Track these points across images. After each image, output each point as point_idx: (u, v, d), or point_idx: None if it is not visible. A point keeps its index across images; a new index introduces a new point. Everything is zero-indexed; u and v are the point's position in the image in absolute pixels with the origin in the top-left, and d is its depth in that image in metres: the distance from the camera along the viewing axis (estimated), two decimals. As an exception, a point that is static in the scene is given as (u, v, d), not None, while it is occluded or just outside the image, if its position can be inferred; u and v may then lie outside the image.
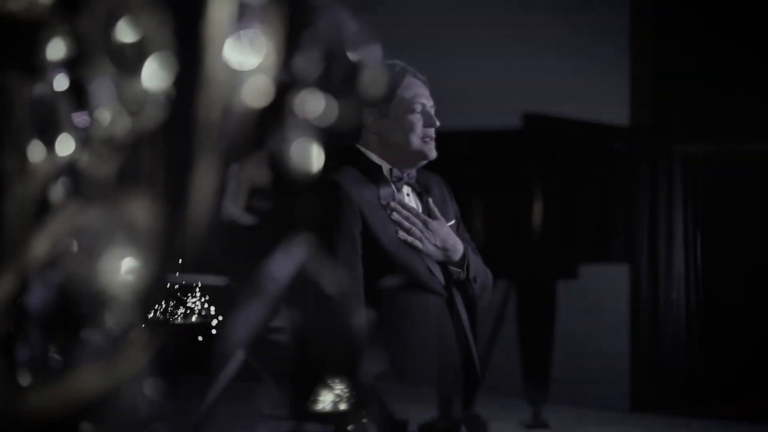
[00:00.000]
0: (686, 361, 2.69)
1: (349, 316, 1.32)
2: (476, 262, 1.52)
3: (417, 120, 1.47)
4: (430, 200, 1.52)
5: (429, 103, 1.51)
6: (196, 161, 0.58)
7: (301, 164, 0.62)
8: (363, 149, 1.46)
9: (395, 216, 1.42)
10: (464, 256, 1.49)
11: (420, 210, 1.51)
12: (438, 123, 1.48)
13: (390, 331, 1.36)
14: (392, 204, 1.43)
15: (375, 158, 1.46)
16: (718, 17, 2.59)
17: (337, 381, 1.25)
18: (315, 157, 0.64)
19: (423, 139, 1.48)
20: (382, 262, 1.38)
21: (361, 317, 1.34)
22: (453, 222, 1.54)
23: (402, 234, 1.42)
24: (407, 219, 1.44)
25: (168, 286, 2.47)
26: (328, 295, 1.24)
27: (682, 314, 2.73)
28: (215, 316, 2.60)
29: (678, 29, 2.64)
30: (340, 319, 1.30)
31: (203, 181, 0.58)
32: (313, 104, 0.61)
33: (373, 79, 0.62)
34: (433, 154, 1.50)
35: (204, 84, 0.57)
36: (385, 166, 1.45)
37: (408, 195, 1.49)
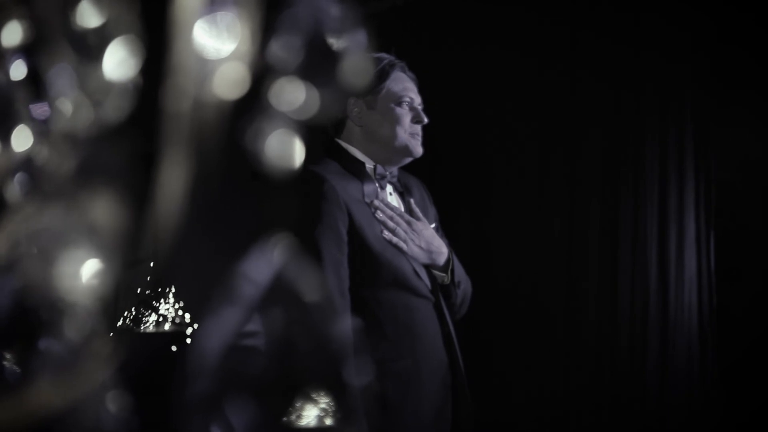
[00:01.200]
0: (699, 372, 2.71)
1: (334, 319, 1.32)
2: (459, 268, 1.53)
3: (405, 114, 1.48)
4: (412, 201, 1.52)
5: (417, 99, 1.52)
6: (163, 157, 0.58)
7: (279, 160, 0.62)
8: (344, 144, 1.45)
9: (379, 215, 1.42)
10: (449, 259, 1.49)
11: (402, 210, 1.51)
12: (426, 120, 1.49)
13: (376, 336, 1.36)
14: (376, 202, 1.43)
15: (358, 154, 1.46)
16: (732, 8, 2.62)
17: (321, 393, 1.26)
18: (295, 152, 0.64)
19: (410, 135, 1.49)
20: (368, 262, 1.38)
21: (347, 321, 1.33)
22: (434, 225, 1.54)
23: (387, 234, 1.42)
24: (391, 218, 1.44)
25: (138, 291, 2.46)
26: (312, 297, 1.24)
27: (693, 321, 2.74)
28: (190, 324, 2.58)
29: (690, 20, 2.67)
30: (323, 323, 1.30)
31: (171, 178, 0.58)
32: (292, 94, 0.61)
33: (357, 68, 0.62)
34: (419, 151, 1.50)
35: (173, 72, 0.57)
36: (369, 163, 1.45)
37: (390, 194, 1.50)
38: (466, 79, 2.88)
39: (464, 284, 1.56)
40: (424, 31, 2.87)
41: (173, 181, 0.59)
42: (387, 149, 1.50)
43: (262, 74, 0.62)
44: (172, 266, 2.29)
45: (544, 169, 2.89)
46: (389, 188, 1.52)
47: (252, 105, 0.61)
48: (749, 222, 2.74)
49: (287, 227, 1.31)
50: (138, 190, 0.64)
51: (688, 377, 2.69)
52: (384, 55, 1.53)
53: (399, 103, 1.50)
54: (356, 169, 1.43)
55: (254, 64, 0.61)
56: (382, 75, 1.54)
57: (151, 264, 2.43)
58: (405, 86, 1.56)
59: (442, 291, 1.51)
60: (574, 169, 2.87)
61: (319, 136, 1.46)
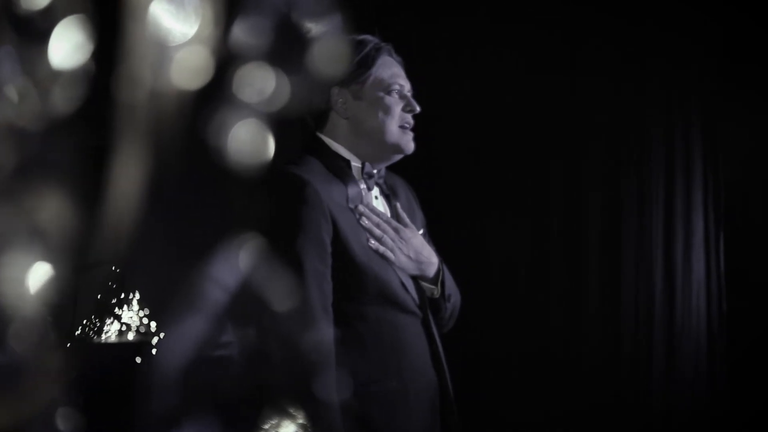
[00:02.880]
0: (707, 382, 2.72)
1: (314, 334, 1.31)
2: (450, 280, 1.51)
3: (395, 103, 1.45)
4: (398, 205, 1.50)
5: (407, 86, 1.49)
6: (117, 150, 0.57)
7: (247, 155, 0.61)
8: (327, 139, 1.42)
9: (365, 221, 1.40)
10: (439, 271, 1.48)
11: (389, 215, 1.49)
12: (418, 108, 1.46)
13: (359, 355, 1.35)
14: (361, 208, 1.41)
15: (342, 150, 1.43)
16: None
17: (300, 409, 1.25)
18: (266, 147, 0.63)
19: (401, 127, 1.46)
20: (353, 274, 1.36)
21: (329, 338, 1.32)
22: (421, 232, 1.53)
23: (372, 243, 1.40)
24: (378, 225, 1.41)
25: (99, 297, 2.44)
26: (285, 308, 1.22)
27: (701, 327, 2.76)
28: (156, 333, 2.56)
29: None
30: (302, 335, 1.28)
31: (126, 174, 0.57)
32: (261, 83, 0.60)
33: (333, 53, 0.61)
34: (410, 147, 1.48)
35: (127, 57, 0.56)
36: (355, 161, 1.43)
37: (376, 198, 1.47)
38: (460, 72, 2.87)
39: (454, 297, 1.54)
40: (414, 13, 2.86)
41: (128, 176, 0.58)
42: (376, 144, 1.47)
43: (227, 60, 0.61)
44: (136, 270, 2.27)
45: (542, 168, 2.88)
46: (375, 191, 1.49)
47: (216, 95, 0.60)
48: (760, 222, 2.76)
49: (262, 234, 1.29)
50: (90, 186, 0.62)
51: (696, 386, 2.70)
52: (368, 37, 1.49)
53: (388, 92, 1.46)
54: (340, 169, 1.40)
55: (218, 49, 0.60)
56: (368, 60, 1.50)
57: (113, 267, 2.41)
58: (393, 72, 1.52)
59: (430, 305, 1.49)
60: (575, 168, 2.86)
61: (298, 129, 1.43)
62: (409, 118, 1.45)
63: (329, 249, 1.32)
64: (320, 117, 1.42)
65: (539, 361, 2.76)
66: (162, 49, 0.55)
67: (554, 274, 2.79)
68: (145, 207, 0.63)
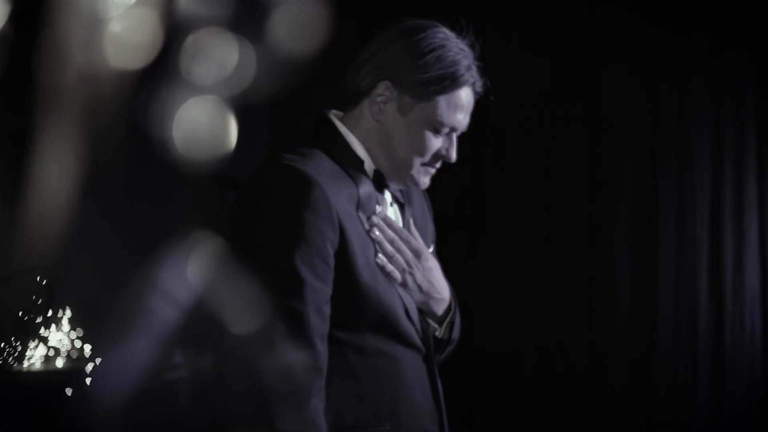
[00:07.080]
0: (762, 414, 2.75)
1: (310, 364, 1.32)
2: (458, 319, 1.52)
3: (435, 144, 1.43)
4: (412, 221, 1.50)
5: (461, 128, 1.45)
6: (40, 138, 0.57)
7: (200, 145, 0.62)
8: (343, 129, 1.41)
9: (376, 234, 1.39)
10: (450, 310, 1.48)
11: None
12: (454, 158, 1.45)
13: (349, 393, 1.36)
14: (375, 219, 1.40)
15: (357, 146, 1.42)
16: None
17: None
18: (224, 135, 0.64)
19: (425, 166, 1.46)
20: (352, 295, 1.35)
21: (324, 368, 1.33)
22: (431, 250, 1.53)
23: (380, 258, 1.39)
24: (392, 242, 1.41)
25: (19, 314, 2.43)
26: (254, 329, 1.22)
27: (756, 345, 2.78)
28: (90, 359, 2.55)
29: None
30: (295, 368, 1.28)
31: (51, 166, 0.57)
32: (220, 53, 0.60)
33: (308, 22, 0.62)
34: (425, 184, 1.48)
35: (51, 24, 0.55)
36: (369, 162, 1.42)
37: (391, 205, 1.47)
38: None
39: (457, 339, 1.56)
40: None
41: (55, 168, 0.58)
42: (391, 166, 1.46)
43: (178, 28, 0.61)
44: (66, 281, 2.26)
45: (561, 156, 2.89)
46: (388, 196, 1.49)
47: (164, 71, 0.60)
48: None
49: (236, 239, 1.30)
50: (8, 179, 0.62)
51: (749, 417, 2.71)
52: (462, 47, 1.44)
53: (436, 128, 1.45)
54: (353, 168, 1.40)
55: (167, 15, 0.60)
56: (445, 83, 1.45)
57: (39, 278, 2.39)
58: (458, 114, 1.49)
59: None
60: (601, 155, 2.87)
61: (267, 114, 1.43)
62: (438, 163, 1.45)
63: (332, 263, 1.32)
64: (351, 97, 1.41)
65: (558, 399, 2.77)
66: (96, 14, 0.55)
67: (573, 287, 2.79)
68: (77, 205, 0.63)
